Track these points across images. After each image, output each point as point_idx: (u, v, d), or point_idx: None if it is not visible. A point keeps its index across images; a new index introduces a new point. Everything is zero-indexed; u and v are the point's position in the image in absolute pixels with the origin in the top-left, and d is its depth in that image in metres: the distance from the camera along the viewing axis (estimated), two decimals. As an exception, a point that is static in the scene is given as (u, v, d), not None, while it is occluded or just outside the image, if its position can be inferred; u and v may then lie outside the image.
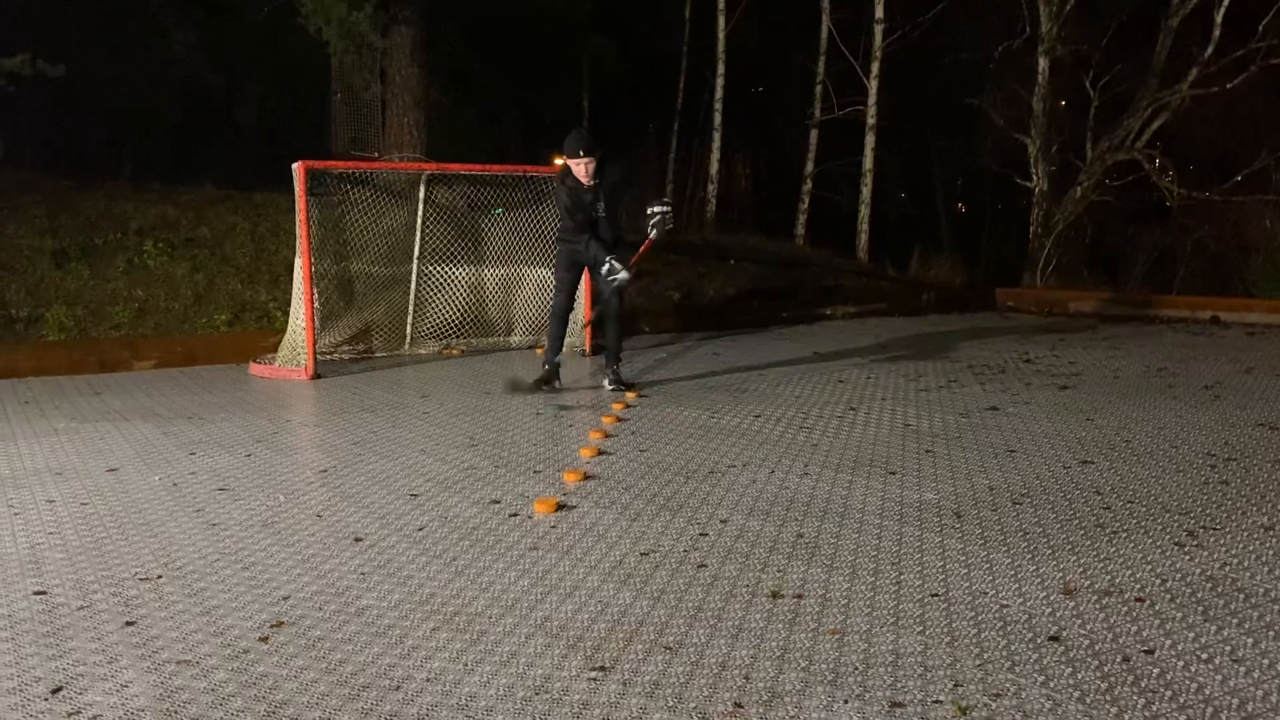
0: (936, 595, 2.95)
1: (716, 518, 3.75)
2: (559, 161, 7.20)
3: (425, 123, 11.45)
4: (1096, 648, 2.57)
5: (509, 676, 2.46)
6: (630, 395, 6.28)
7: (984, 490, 4.09)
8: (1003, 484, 4.19)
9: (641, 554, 3.36)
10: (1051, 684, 2.38)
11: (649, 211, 6.43)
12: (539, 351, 7.60)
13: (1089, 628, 2.70)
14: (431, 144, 11.43)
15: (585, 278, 7.09)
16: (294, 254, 7.76)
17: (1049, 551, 3.32)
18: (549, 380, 6.56)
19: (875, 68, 16.08)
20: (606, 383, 6.58)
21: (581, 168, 6.22)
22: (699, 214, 17.36)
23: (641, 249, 6.51)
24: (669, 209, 6.44)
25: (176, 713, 2.30)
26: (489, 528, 3.68)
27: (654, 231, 6.38)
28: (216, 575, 3.21)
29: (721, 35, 16.78)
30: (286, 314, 8.02)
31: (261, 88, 16.82)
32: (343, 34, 10.77)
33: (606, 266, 6.17)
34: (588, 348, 8.38)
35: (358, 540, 3.55)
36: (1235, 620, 2.74)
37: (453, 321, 8.65)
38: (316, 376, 7.22)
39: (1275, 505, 3.82)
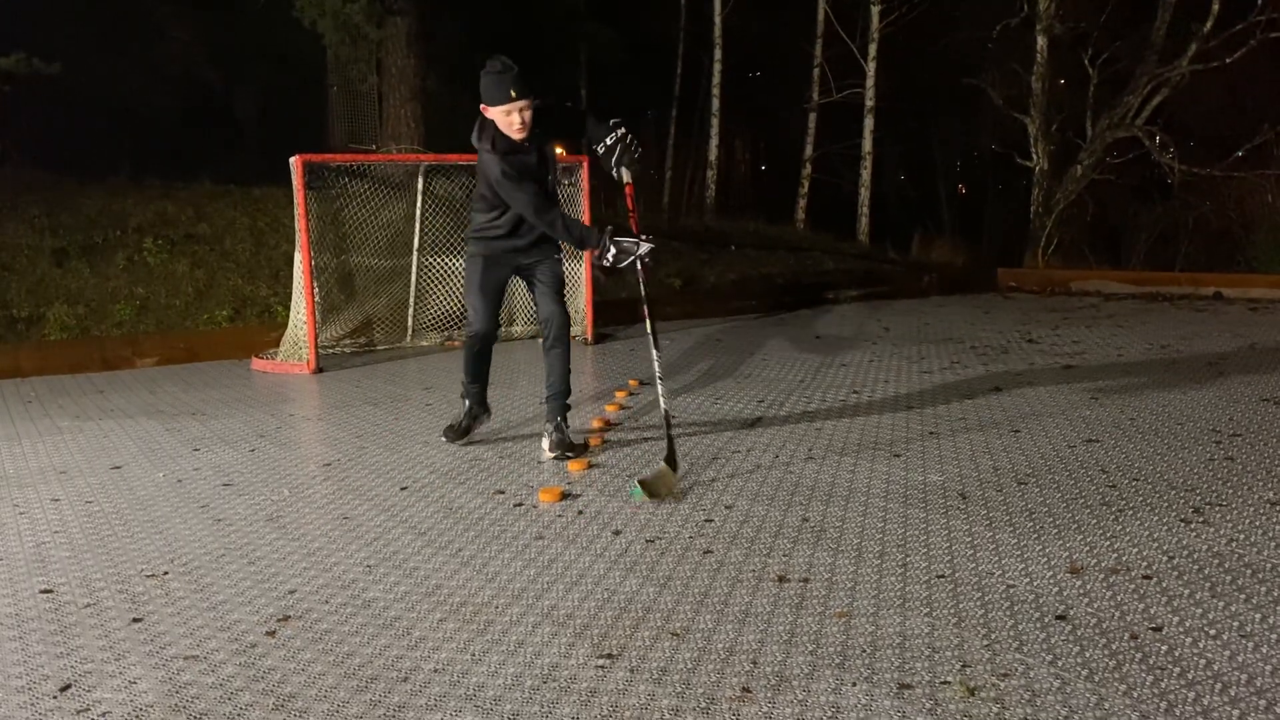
0: (943, 577, 2.94)
1: (721, 503, 3.75)
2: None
3: (423, 114, 11.43)
4: (1104, 626, 2.57)
5: (516, 665, 2.46)
6: (575, 466, 4.28)
7: (989, 471, 4.09)
8: (1007, 464, 4.18)
9: (647, 541, 3.35)
10: (1059, 663, 2.38)
11: (601, 146, 4.32)
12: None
13: (1096, 606, 2.69)
14: (429, 135, 11.41)
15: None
16: (294, 248, 7.75)
17: (1055, 531, 3.31)
18: (472, 425, 4.81)
19: (873, 49, 16.05)
20: (546, 444, 4.51)
21: (516, 117, 4.17)
22: (699, 200, 17.34)
23: (630, 202, 4.39)
24: (628, 132, 4.31)
25: (185, 708, 2.30)
26: (494, 518, 3.67)
27: (621, 170, 4.31)
28: (222, 570, 3.21)
29: (718, 20, 16.72)
30: (288, 309, 8.02)
31: (259, 82, 16.78)
32: (337, 26, 10.76)
33: (613, 251, 4.15)
34: (589, 336, 8.36)
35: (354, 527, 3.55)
36: (1243, 596, 2.74)
37: (454, 313, 8.63)
38: (319, 370, 7.22)
39: (1281, 480, 3.81)
